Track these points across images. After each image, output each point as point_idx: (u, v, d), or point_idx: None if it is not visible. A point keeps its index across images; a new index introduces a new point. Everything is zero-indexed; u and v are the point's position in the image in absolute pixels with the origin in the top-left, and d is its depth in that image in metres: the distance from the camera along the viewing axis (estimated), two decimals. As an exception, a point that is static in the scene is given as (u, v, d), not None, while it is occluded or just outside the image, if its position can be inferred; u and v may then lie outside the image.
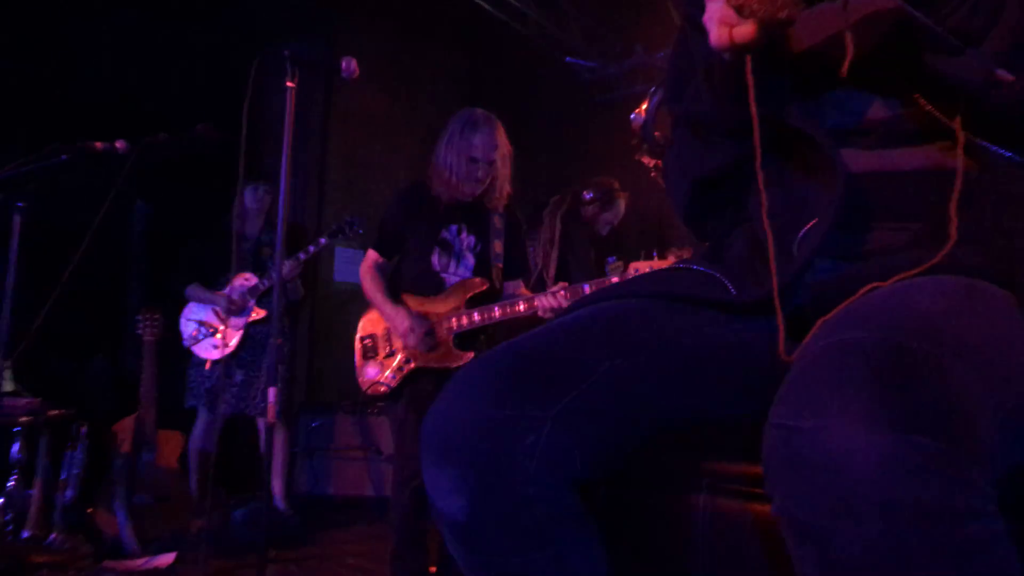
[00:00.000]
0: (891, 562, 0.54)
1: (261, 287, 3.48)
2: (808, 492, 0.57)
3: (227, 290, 3.50)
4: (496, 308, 2.43)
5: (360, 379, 2.55)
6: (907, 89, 0.80)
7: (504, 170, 2.52)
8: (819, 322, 0.70)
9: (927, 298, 0.67)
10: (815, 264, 0.82)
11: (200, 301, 3.57)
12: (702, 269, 0.89)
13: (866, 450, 0.54)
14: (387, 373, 2.48)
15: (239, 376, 3.50)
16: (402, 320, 2.43)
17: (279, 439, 3.50)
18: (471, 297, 2.49)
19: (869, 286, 0.72)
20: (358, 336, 2.60)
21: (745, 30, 0.73)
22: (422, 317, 2.45)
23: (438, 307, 2.48)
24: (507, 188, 2.58)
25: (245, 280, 3.52)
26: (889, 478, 0.54)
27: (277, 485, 3.49)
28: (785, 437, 0.59)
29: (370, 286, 2.53)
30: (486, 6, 4.73)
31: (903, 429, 0.54)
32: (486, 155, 2.45)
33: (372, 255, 2.58)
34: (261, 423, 3.53)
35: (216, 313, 3.53)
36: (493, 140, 2.46)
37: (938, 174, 0.80)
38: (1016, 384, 0.65)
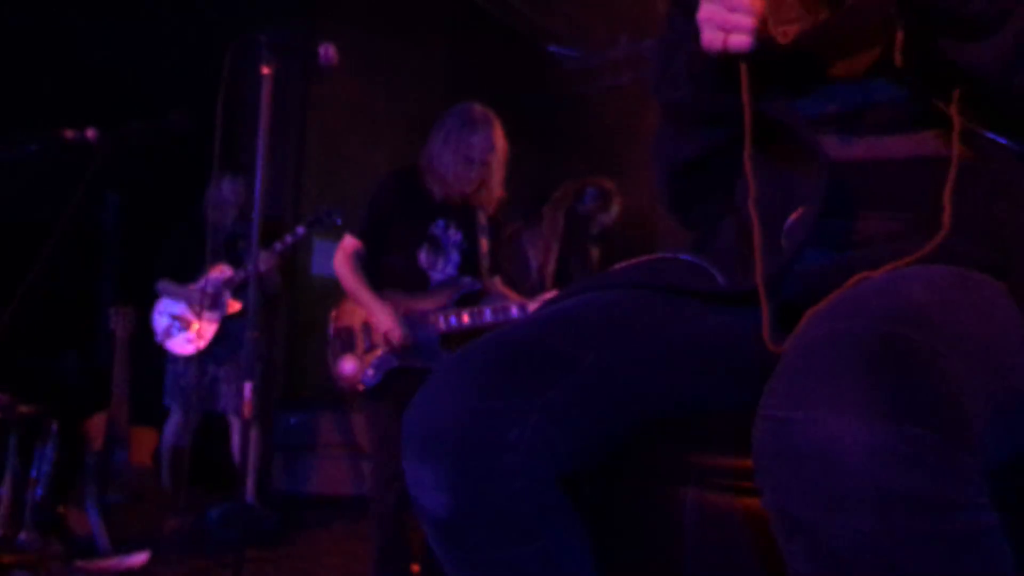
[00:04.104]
0: (883, 554, 0.53)
1: (236, 279, 3.42)
2: (799, 484, 0.56)
3: (202, 283, 3.44)
4: (488, 312, 2.38)
5: (335, 373, 2.47)
6: (900, 76, 0.79)
7: (499, 172, 2.49)
8: (809, 312, 0.69)
9: (919, 288, 0.66)
10: (805, 253, 0.81)
11: (171, 296, 3.51)
12: (690, 259, 0.88)
13: (858, 441, 0.53)
14: (368, 370, 2.41)
15: (213, 373, 3.45)
16: (384, 318, 2.34)
17: (253, 436, 3.45)
18: (460, 298, 2.43)
19: (860, 275, 0.71)
20: (332, 327, 2.51)
21: (740, 40, 0.72)
22: (406, 317, 2.38)
23: (424, 305, 2.42)
24: (499, 191, 2.53)
25: (220, 272, 3.46)
26: (881, 469, 0.53)
27: (248, 481, 3.44)
28: (776, 429, 0.58)
29: (353, 280, 2.41)
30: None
31: (895, 420, 0.54)
32: (482, 156, 2.41)
33: (352, 243, 2.44)
34: (233, 421, 3.49)
35: (190, 307, 3.47)
36: (490, 141, 2.42)
37: (931, 162, 0.79)
38: (1008, 374, 0.64)
